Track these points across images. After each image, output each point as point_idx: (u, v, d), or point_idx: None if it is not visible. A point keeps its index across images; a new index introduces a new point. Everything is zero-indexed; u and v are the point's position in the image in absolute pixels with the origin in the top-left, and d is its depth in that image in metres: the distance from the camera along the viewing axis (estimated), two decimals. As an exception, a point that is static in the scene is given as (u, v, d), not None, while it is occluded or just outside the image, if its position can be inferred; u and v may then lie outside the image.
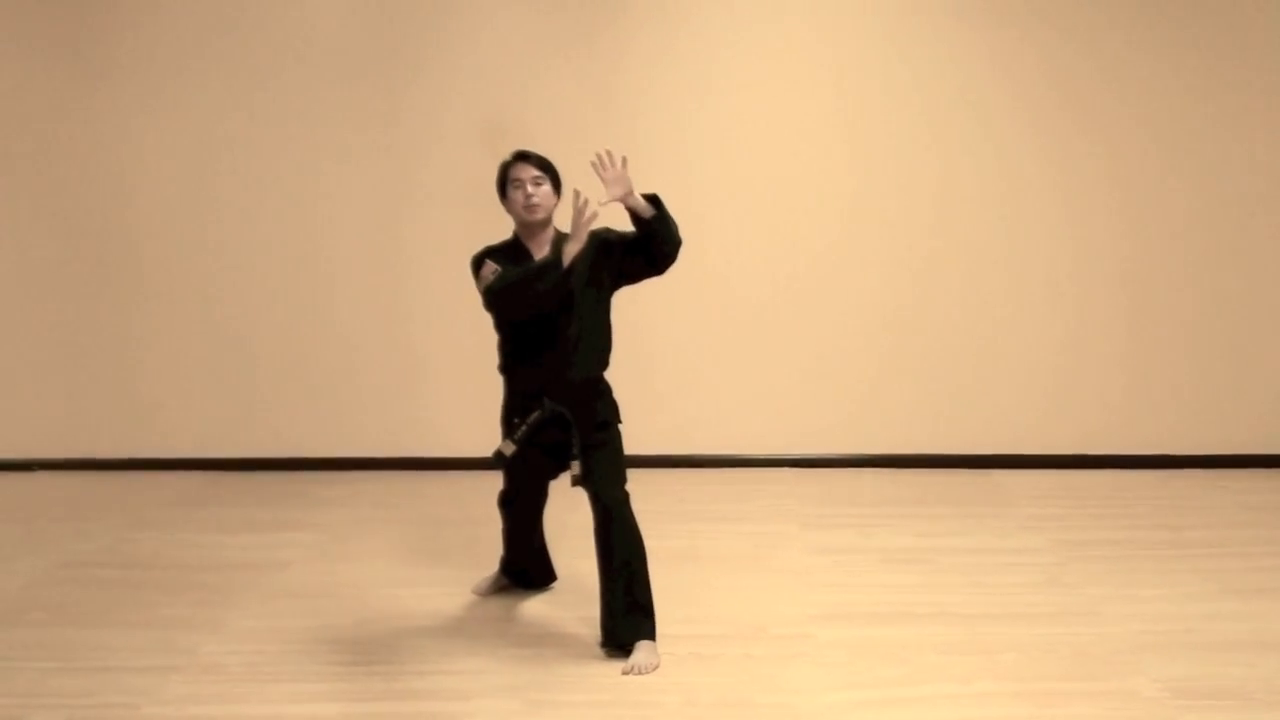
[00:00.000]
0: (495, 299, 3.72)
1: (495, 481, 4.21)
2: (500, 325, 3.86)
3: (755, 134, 5.71)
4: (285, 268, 5.91)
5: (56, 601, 4.35)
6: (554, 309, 3.72)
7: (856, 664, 3.72)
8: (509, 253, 3.84)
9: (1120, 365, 5.77)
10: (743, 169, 5.73)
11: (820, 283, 5.80)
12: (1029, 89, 5.62)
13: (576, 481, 3.83)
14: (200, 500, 5.58)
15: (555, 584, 4.40)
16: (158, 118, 5.83)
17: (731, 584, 4.41)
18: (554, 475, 4.03)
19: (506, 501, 4.20)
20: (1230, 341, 5.73)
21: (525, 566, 4.35)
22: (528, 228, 3.85)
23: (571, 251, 3.61)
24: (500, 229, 3.99)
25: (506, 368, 3.90)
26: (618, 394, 3.95)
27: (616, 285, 3.88)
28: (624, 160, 3.68)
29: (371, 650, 3.89)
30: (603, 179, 3.66)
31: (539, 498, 4.17)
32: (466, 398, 5.73)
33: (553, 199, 3.84)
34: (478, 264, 3.81)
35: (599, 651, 3.83)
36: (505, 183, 3.84)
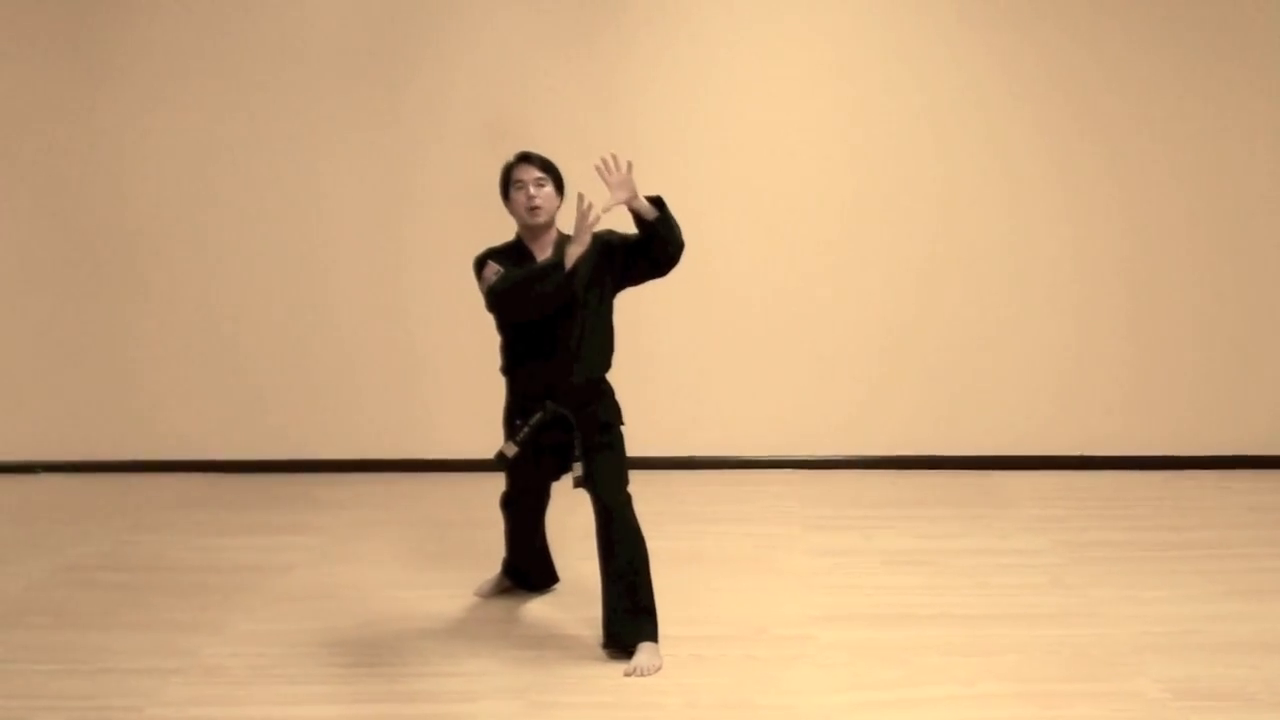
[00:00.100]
0: (498, 300, 3.72)
1: (497, 483, 4.20)
2: (503, 326, 3.86)
3: (756, 134, 5.71)
4: (286, 269, 5.91)
5: (58, 604, 4.35)
6: (557, 311, 3.72)
7: (858, 665, 3.72)
8: (511, 254, 3.84)
9: (1122, 366, 5.77)
10: (743, 169, 5.73)
11: (822, 284, 5.79)
12: (1032, 90, 5.61)
13: (579, 483, 3.83)
14: (202, 502, 5.58)
15: (557, 586, 4.40)
16: (158, 118, 5.83)
17: (733, 585, 4.40)
18: (556, 477, 4.03)
19: (509, 503, 4.19)
20: (1233, 342, 5.73)
21: (527, 568, 4.35)
22: (530, 229, 3.85)
23: (574, 253, 3.61)
24: (501, 230, 3.99)
25: (509, 369, 3.90)
26: (619, 395, 3.95)
27: (619, 287, 3.88)
28: (629, 165, 3.68)
29: (374, 652, 3.89)
30: (607, 183, 3.66)
31: (541, 499, 4.17)
32: (468, 399, 5.72)
33: (555, 200, 3.84)
34: (480, 265, 3.81)
35: (601, 653, 3.82)
36: (508, 184, 3.84)
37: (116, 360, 6.02)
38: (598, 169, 3.67)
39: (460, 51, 5.72)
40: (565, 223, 3.79)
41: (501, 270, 3.73)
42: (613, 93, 5.71)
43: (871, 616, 4.09)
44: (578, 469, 3.81)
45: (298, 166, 5.83)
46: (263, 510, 5.45)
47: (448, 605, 4.27)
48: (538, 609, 4.23)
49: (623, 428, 3.93)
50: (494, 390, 4.00)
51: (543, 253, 3.83)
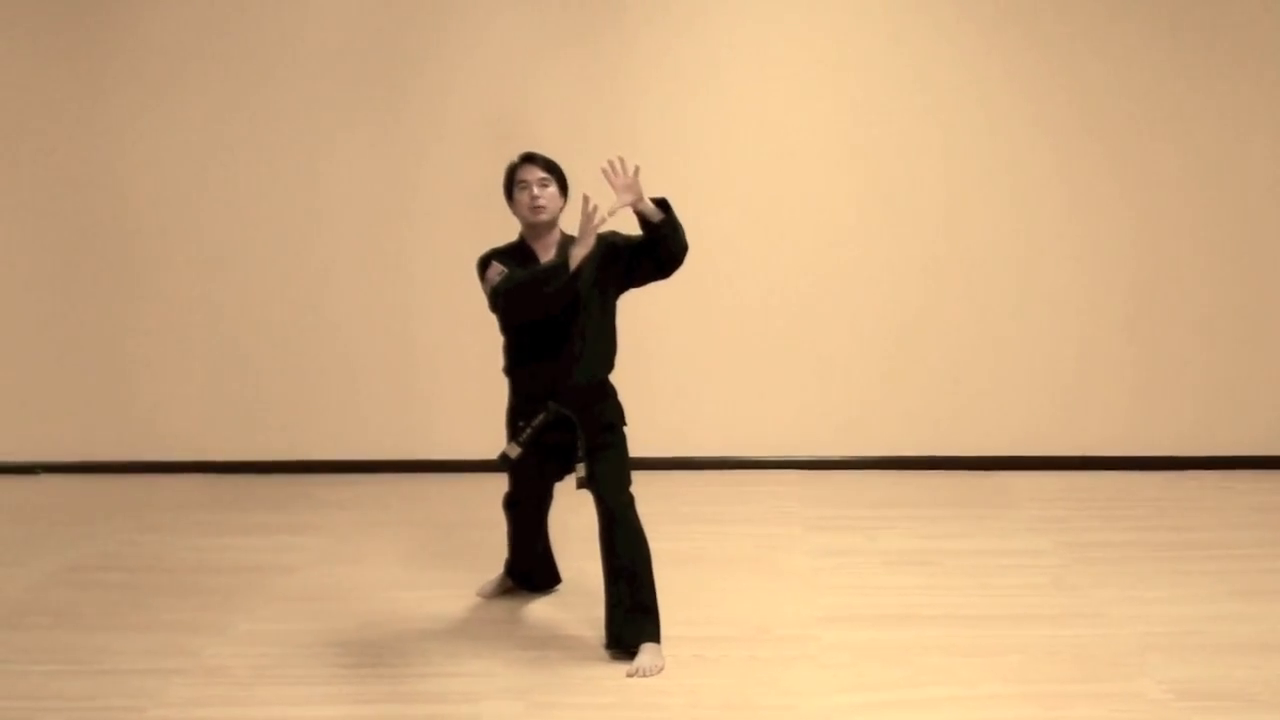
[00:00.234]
0: (502, 301, 3.72)
1: (500, 484, 4.21)
2: (506, 327, 3.86)
3: (758, 134, 5.71)
4: (288, 269, 5.91)
5: (60, 605, 4.35)
6: (560, 312, 3.72)
7: (861, 666, 3.71)
8: (514, 255, 3.85)
9: (1125, 367, 5.76)
10: (745, 169, 5.73)
11: (824, 284, 5.79)
12: (1036, 91, 5.61)
13: (582, 484, 3.83)
14: (204, 503, 5.59)
15: (560, 586, 4.40)
16: (159, 118, 5.83)
17: (736, 586, 4.40)
18: (559, 478, 4.03)
19: (511, 504, 4.20)
20: (1236, 343, 5.72)
21: (530, 569, 4.34)
22: (533, 229, 3.85)
23: (578, 255, 3.61)
24: (502, 231, 4.00)
25: (511, 370, 3.90)
26: (622, 396, 3.95)
27: (622, 289, 3.88)
28: (636, 169, 3.68)
29: (376, 653, 3.89)
30: (613, 185, 3.67)
31: (544, 500, 4.17)
32: (470, 400, 5.72)
33: (559, 201, 3.84)
34: (484, 265, 3.82)
35: (604, 654, 3.82)
36: (511, 184, 3.85)
37: (117, 361, 6.02)
38: (604, 172, 3.67)
39: (461, 52, 5.72)
40: (569, 224, 3.79)
41: (505, 271, 3.73)
42: (614, 93, 5.71)
43: (874, 617, 4.09)
44: (581, 470, 3.81)
45: (298, 166, 5.84)
46: (264, 511, 5.45)
47: (450, 606, 4.27)
48: (540, 610, 4.23)
49: (625, 428, 3.93)
50: (496, 391, 4.00)
51: (546, 253, 3.84)
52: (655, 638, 3.79)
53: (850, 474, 5.83)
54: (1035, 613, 4.09)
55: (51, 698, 3.61)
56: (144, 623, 4.16)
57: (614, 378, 3.94)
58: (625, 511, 3.81)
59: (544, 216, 3.80)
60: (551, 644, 3.93)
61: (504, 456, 3.89)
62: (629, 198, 3.66)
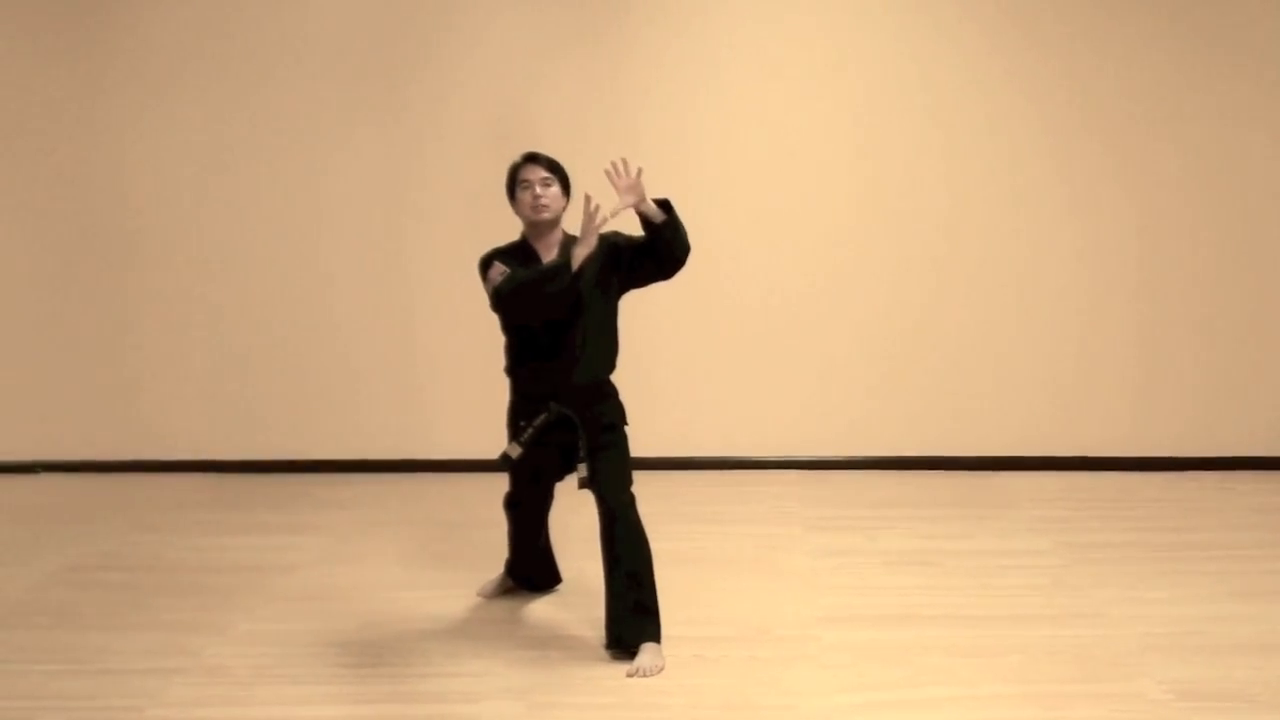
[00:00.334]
0: (504, 301, 3.72)
1: (500, 484, 4.21)
2: (507, 327, 3.86)
3: (759, 135, 5.71)
4: (289, 270, 5.91)
5: (59, 604, 4.35)
6: (563, 313, 3.72)
7: (861, 666, 3.71)
8: (516, 254, 3.84)
9: (1126, 367, 5.76)
10: (747, 170, 5.73)
11: (825, 284, 5.79)
12: (1038, 91, 5.61)
13: (583, 484, 3.83)
14: (204, 503, 5.58)
15: (560, 586, 4.40)
16: (158, 119, 5.83)
17: (736, 586, 4.40)
18: (560, 477, 4.04)
19: (512, 504, 4.20)
20: (1237, 344, 5.72)
21: (530, 569, 4.34)
22: (535, 229, 3.85)
23: (580, 255, 3.62)
24: (504, 231, 4.00)
25: (512, 370, 3.90)
26: (623, 396, 3.95)
27: (624, 289, 3.88)
28: (639, 170, 3.68)
29: (376, 653, 3.89)
30: (616, 187, 3.67)
31: (544, 500, 4.17)
32: (471, 400, 5.72)
33: (561, 200, 3.84)
34: (485, 265, 3.81)
35: (604, 654, 3.82)
36: (514, 183, 3.85)
37: (118, 360, 6.02)
38: (607, 173, 3.67)
39: (463, 52, 5.72)
40: (572, 224, 3.79)
41: (508, 271, 3.72)
42: (616, 93, 5.71)
43: (874, 617, 4.09)
44: (582, 470, 3.81)
45: (300, 166, 5.84)
46: (265, 511, 5.45)
47: (450, 606, 4.27)
48: (540, 609, 4.23)
49: (626, 428, 3.93)
50: (497, 391, 4.00)
51: (548, 253, 3.84)
52: (656, 638, 3.79)
53: (851, 474, 5.83)
54: (1035, 613, 4.09)
55: (51, 697, 3.61)
56: (144, 622, 4.16)
57: (615, 378, 3.94)
58: (626, 511, 3.81)
59: (546, 216, 3.80)
60: (552, 644, 3.93)
61: (505, 456, 3.89)
62: (631, 198, 3.66)
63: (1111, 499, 5.37)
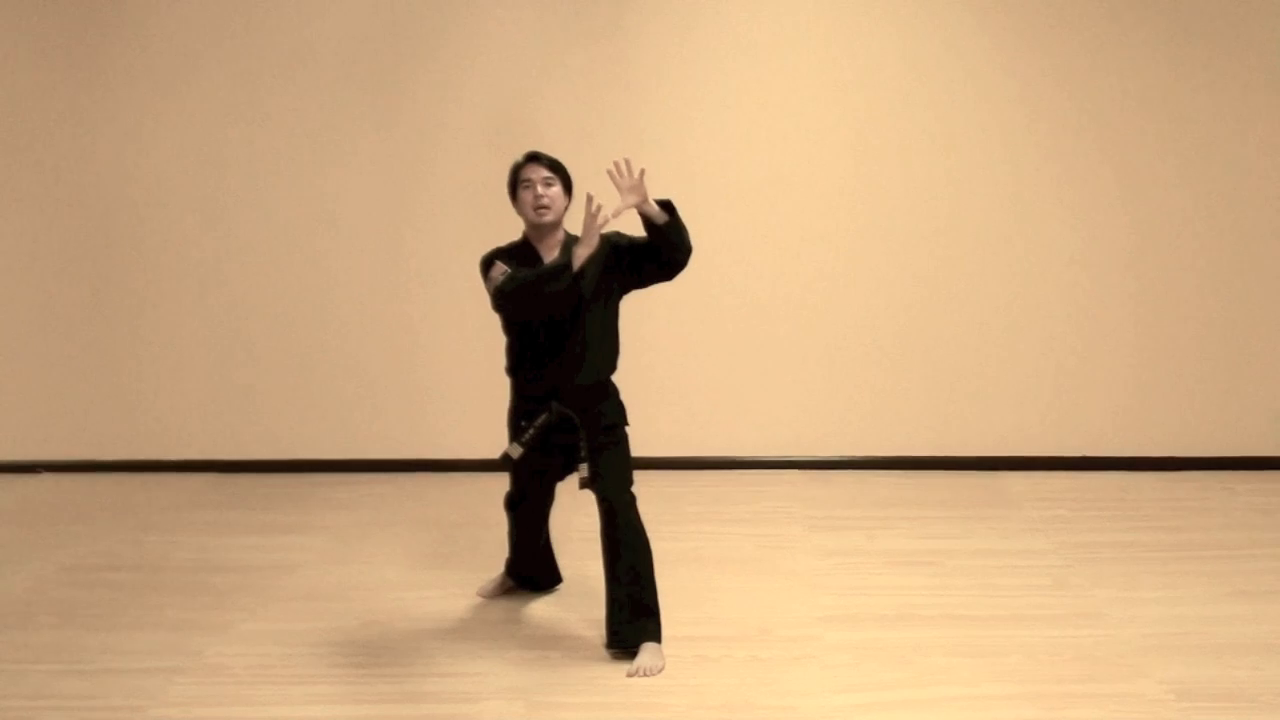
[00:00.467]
0: (505, 300, 3.72)
1: (501, 483, 4.21)
2: (508, 327, 3.87)
3: (761, 136, 5.71)
4: (292, 270, 5.91)
5: (61, 604, 4.36)
6: (564, 313, 3.73)
7: (862, 666, 3.72)
8: (518, 254, 3.85)
9: (1126, 367, 5.76)
10: (749, 170, 5.73)
11: (826, 284, 5.79)
12: (1038, 92, 5.60)
13: (584, 484, 3.84)
14: (206, 503, 5.59)
15: (561, 586, 4.40)
16: (163, 121, 5.84)
17: (737, 586, 4.40)
18: (560, 477, 4.04)
19: (513, 503, 4.20)
20: (1237, 344, 5.72)
21: (531, 568, 4.35)
22: (537, 229, 3.85)
23: (581, 255, 3.62)
24: (507, 231, 4.00)
25: (514, 370, 3.90)
26: (624, 396, 3.95)
27: (626, 290, 3.89)
28: (641, 171, 3.68)
29: (377, 652, 3.89)
30: (618, 187, 3.67)
31: (545, 500, 4.17)
32: (473, 400, 5.73)
33: (563, 200, 3.84)
34: (487, 265, 3.81)
35: (604, 654, 3.83)
36: (516, 183, 3.85)
37: (120, 360, 6.03)
38: (610, 173, 3.67)
39: (466, 53, 5.72)
40: (573, 224, 3.79)
41: (509, 271, 3.73)
42: (618, 94, 5.71)
43: (875, 617, 4.09)
44: (583, 470, 3.82)
45: (302, 166, 5.84)
46: (266, 510, 5.45)
47: (451, 606, 4.27)
48: (541, 609, 4.24)
49: (627, 428, 3.94)
50: (499, 391, 4.01)
51: (550, 253, 3.84)
52: (656, 638, 3.79)
53: (852, 474, 5.83)
54: (1036, 613, 4.09)
55: (53, 697, 3.62)
56: (145, 622, 4.17)
57: (617, 378, 3.95)
58: (627, 511, 3.82)
59: (548, 216, 3.81)
60: (552, 644, 3.93)
61: (505, 456, 3.90)
62: (633, 199, 3.67)
63: (1112, 499, 5.37)
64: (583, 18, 5.67)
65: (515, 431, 3.89)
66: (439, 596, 4.35)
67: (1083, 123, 5.61)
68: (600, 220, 3.60)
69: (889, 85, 5.66)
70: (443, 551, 4.85)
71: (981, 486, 5.58)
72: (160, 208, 5.91)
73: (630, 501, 3.83)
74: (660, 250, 3.75)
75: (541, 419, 3.83)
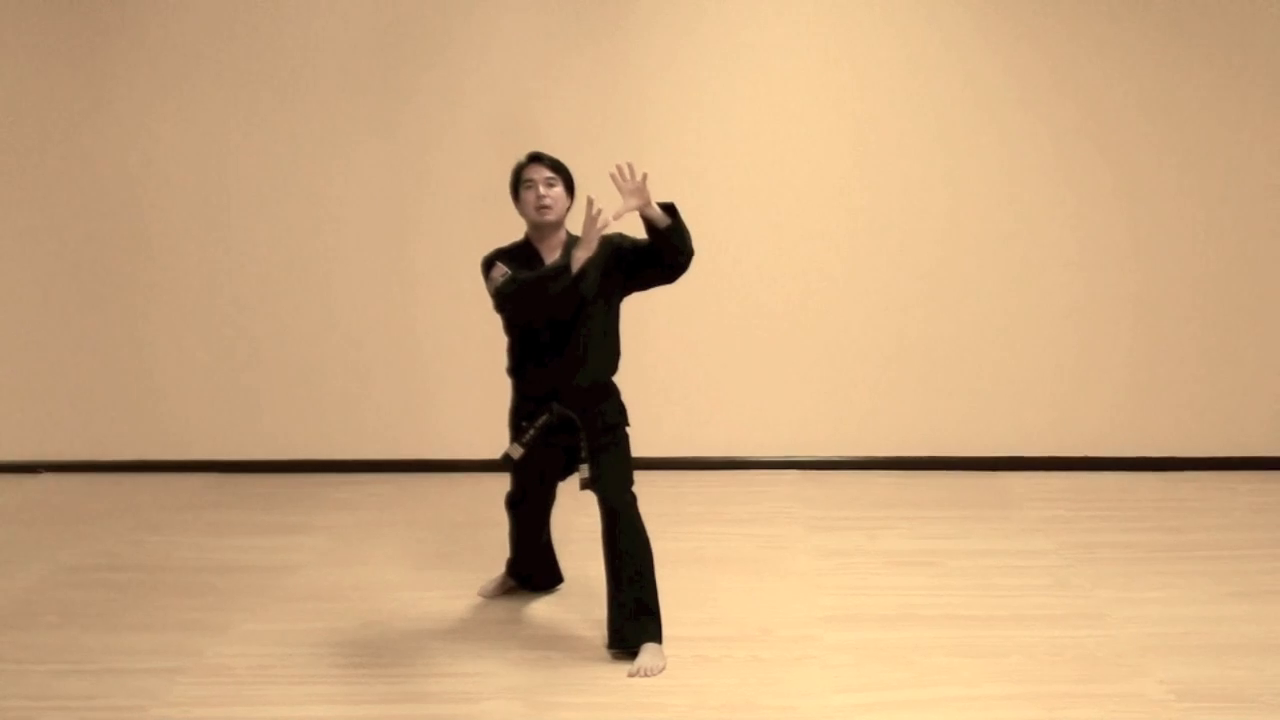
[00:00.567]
0: (505, 302, 3.73)
1: (502, 483, 4.21)
2: (510, 328, 3.87)
3: (763, 136, 5.71)
4: (294, 269, 5.91)
5: (62, 604, 4.36)
6: (564, 315, 3.73)
7: (863, 667, 3.72)
8: (520, 254, 3.85)
9: (1126, 367, 5.77)
10: (750, 172, 5.73)
11: (827, 285, 5.79)
12: (1038, 94, 5.60)
13: (585, 485, 3.84)
14: (208, 503, 5.59)
15: (562, 586, 4.41)
16: (166, 122, 5.84)
17: (738, 586, 4.41)
18: (562, 477, 4.05)
19: (514, 503, 4.20)
20: (1237, 344, 5.72)
21: (532, 568, 4.35)
22: (539, 229, 3.86)
23: (581, 258, 3.62)
24: (509, 233, 4.00)
25: (515, 370, 3.91)
26: (625, 397, 3.96)
27: (627, 291, 3.89)
28: (644, 176, 3.68)
29: (378, 653, 3.90)
30: (620, 190, 3.67)
31: (546, 500, 4.18)
32: (474, 400, 5.74)
33: (565, 201, 3.85)
34: (488, 266, 3.82)
35: (605, 654, 3.83)
36: (518, 183, 3.85)
37: (121, 360, 6.03)
38: (612, 177, 3.67)
39: (468, 55, 5.72)
40: (575, 225, 3.79)
41: (509, 272, 3.73)
42: (619, 96, 5.70)
43: (876, 618, 4.10)
44: (584, 471, 3.82)
45: (306, 168, 5.84)
46: (268, 510, 5.46)
47: (452, 606, 4.28)
48: (542, 609, 4.24)
49: (628, 428, 3.94)
50: (500, 391, 4.01)
51: (551, 254, 3.84)
52: (657, 638, 3.80)
53: (852, 474, 5.83)
54: (1037, 613, 4.10)
55: (54, 697, 3.62)
56: (146, 622, 4.17)
57: (618, 378, 3.95)
58: (628, 511, 3.82)
59: (550, 216, 3.81)
60: (553, 644, 3.94)
61: (506, 456, 3.90)
62: (635, 202, 3.67)
63: (1112, 499, 5.38)
64: (585, 21, 5.67)
65: (516, 432, 3.89)
66: (440, 597, 4.36)
67: (1082, 124, 5.61)
68: (600, 223, 3.61)
69: (889, 87, 5.66)
70: (444, 552, 4.85)
71: (982, 487, 5.59)
72: (162, 208, 5.91)
73: (631, 502, 3.84)
74: (662, 253, 3.75)
75: (542, 419, 3.83)
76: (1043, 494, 5.46)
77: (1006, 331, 5.77)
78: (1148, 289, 5.72)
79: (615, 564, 3.80)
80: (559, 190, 3.82)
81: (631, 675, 3.68)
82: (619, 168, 3.67)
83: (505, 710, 3.49)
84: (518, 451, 3.86)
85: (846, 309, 5.80)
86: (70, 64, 5.82)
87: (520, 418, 3.89)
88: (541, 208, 3.79)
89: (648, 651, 3.75)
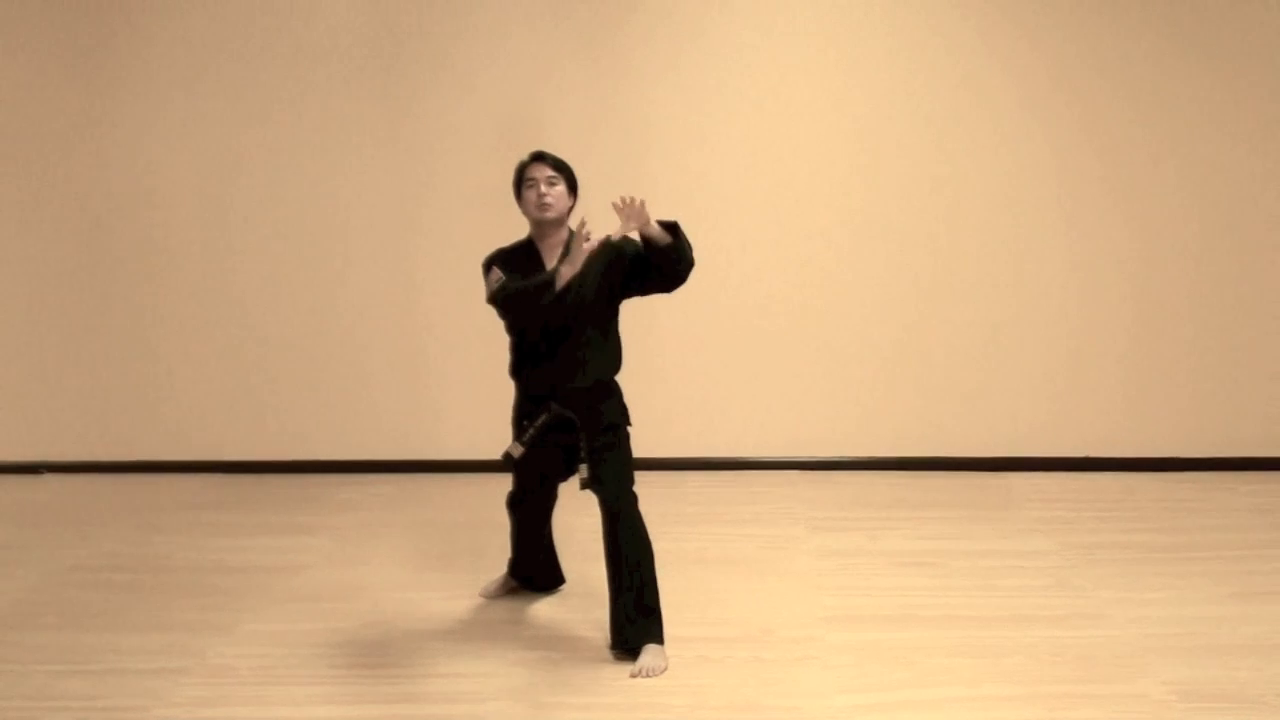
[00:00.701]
0: (497, 308, 3.76)
1: (504, 484, 4.22)
2: (511, 329, 3.88)
3: (764, 138, 5.71)
4: (296, 270, 5.92)
5: (65, 604, 4.36)
6: (556, 322, 3.74)
7: (864, 667, 3.72)
8: (521, 254, 3.86)
9: (1127, 367, 5.77)
10: (750, 173, 5.73)
11: (827, 285, 5.80)
12: (1036, 95, 5.61)
13: (585, 485, 3.84)
14: (211, 503, 5.59)
15: (563, 587, 4.41)
16: (172, 122, 5.84)
17: (739, 587, 4.41)
18: (563, 478, 4.05)
19: (515, 503, 4.21)
20: (1236, 344, 5.72)
21: (533, 569, 4.36)
22: (540, 227, 3.86)
23: (565, 274, 3.62)
24: (511, 233, 4.01)
25: (516, 371, 3.91)
26: (627, 397, 3.96)
27: (625, 295, 3.89)
28: (643, 202, 3.66)
29: (380, 653, 3.90)
30: (621, 216, 3.66)
31: (547, 500, 4.18)
32: (477, 401, 5.74)
33: (566, 200, 3.85)
34: (487, 267, 3.84)
35: (607, 654, 3.84)
36: (520, 182, 3.86)
37: (124, 361, 6.03)
38: (615, 206, 3.65)
39: (472, 57, 5.72)
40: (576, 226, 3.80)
41: (502, 278, 3.75)
42: (622, 98, 5.70)
43: (877, 618, 4.10)
44: (584, 471, 3.82)
45: (310, 168, 5.84)
46: (270, 511, 5.46)
47: (454, 606, 4.28)
48: (543, 610, 4.24)
49: (629, 428, 3.95)
50: (502, 392, 4.02)
51: (552, 253, 3.85)
52: (659, 638, 3.80)
53: (853, 475, 5.83)
54: (1038, 614, 4.10)
55: (56, 697, 3.62)
56: (149, 622, 4.18)
57: (619, 379, 3.95)
58: (629, 512, 3.82)
59: (551, 215, 3.81)
60: (555, 644, 3.94)
61: (507, 455, 3.90)
62: (633, 225, 3.65)
63: (1112, 499, 5.38)
64: (588, 24, 5.67)
65: (518, 431, 3.90)
66: (442, 597, 4.36)
67: (1082, 125, 5.62)
68: (587, 247, 3.61)
69: (889, 88, 5.66)
70: (446, 552, 4.86)
71: (983, 487, 5.59)
72: (166, 209, 5.91)
73: (631, 502, 3.84)
74: (661, 266, 3.75)
75: (541, 419, 3.84)
76: (1043, 494, 5.46)
77: (1007, 332, 5.78)
78: (1148, 289, 5.72)
79: (616, 564, 3.81)
80: (560, 189, 3.83)
81: (633, 676, 3.69)
82: (622, 199, 3.65)
83: (507, 711, 3.49)
84: (518, 450, 3.87)
85: (847, 309, 5.80)
86: (77, 67, 5.82)
87: (522, 417, 3.90)
88: (542, 206, 3.80)
89: (649, 652, 3.75)
